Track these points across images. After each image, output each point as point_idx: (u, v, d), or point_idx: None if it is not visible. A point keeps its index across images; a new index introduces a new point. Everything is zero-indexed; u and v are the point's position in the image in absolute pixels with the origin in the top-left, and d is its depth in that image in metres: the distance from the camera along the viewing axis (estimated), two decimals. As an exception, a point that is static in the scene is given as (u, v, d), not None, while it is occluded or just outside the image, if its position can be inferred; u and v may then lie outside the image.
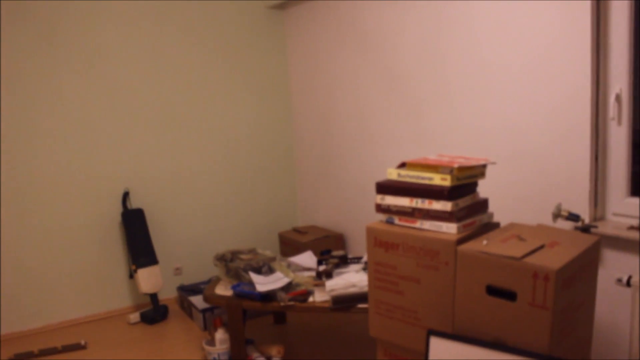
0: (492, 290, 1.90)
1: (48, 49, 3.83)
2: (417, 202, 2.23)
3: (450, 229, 2.15)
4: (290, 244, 4.42)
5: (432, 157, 2.44)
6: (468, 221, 2.21)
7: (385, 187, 2.34)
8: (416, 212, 2.25)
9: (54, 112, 3.89)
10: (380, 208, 2.38)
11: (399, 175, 2.33)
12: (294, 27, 4.69)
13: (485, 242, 2.01)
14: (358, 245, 4.28)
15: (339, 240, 4.35)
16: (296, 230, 4.60)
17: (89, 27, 3.95)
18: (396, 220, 2.33)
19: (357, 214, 4.26)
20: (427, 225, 2.22)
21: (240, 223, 4.74)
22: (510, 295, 1.85)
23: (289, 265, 3.48)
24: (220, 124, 4.55)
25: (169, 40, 4.27)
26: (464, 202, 2.21)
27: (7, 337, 3.86)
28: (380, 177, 3.98)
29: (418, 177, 2.25)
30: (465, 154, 3.28)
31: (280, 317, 3.92)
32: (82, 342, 3.74)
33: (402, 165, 2.39)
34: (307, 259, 3.56)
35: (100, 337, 3.85)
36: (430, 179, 2.21)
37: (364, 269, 3.26)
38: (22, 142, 3.80)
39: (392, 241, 2.26)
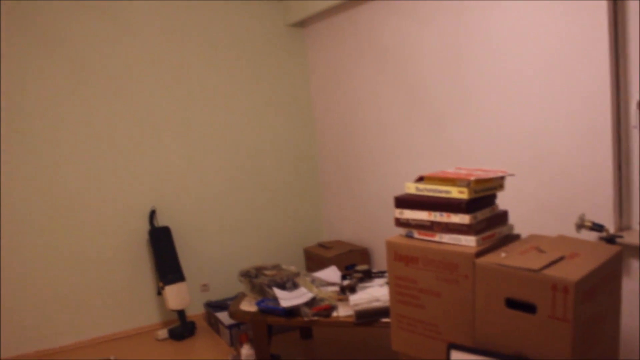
0: (512, 303, 1.89)
1: (75, 70, 3.94)
2: (435, 216, 2.23)
3: (469, 242, 2.14)
4: (315, 259, 4.44)
5: (451, 169, 2.44)
6: (487, 234, 2.20)
7: (403, 201, 2.35)
8: (435, 226, 2.25)
9: (81, 133, 3.99)
10: (399, 222, 2.38)
11: (417, 189, 2.33)
12: (314, 44, 4.74)
13: (503, 254, 2.00)
14: (382, 259, 4.28)
15: (364, 254, 4.36)
16: (321, 245, 4.62)
17: (115, 48, 4.06)
18: (415, 234, 2.33)
19: (380, 227, 4.27)
20: (446, 238, 2.22)
21: (266, 239, 4.78)
22: (530, 308, 1.84)
23: (313, 281, 3.50)
24: (244, 141, 4.61)
25: (193, 60, 4.36)
26: (482, 214, 2.20)
27: (42, 354, 3.95)
28: (402, 191, 3.98)
29: (436, 191, 2.26)
30: (486, 165, 3.27)
31: (306, 332, 3.93)
32: (112, 358, 3.80)
33: (420, 179, 2.39)
34: (331, 273, 3.57)
35: (129, 353, 3.90)
36: (448, 192, 2.21)
37: (388, 283, 3.25)
38: (50, 164, 3.91)
39: (412, 255, 2.27)
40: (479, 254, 2.07)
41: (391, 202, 4.12)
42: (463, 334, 2.11)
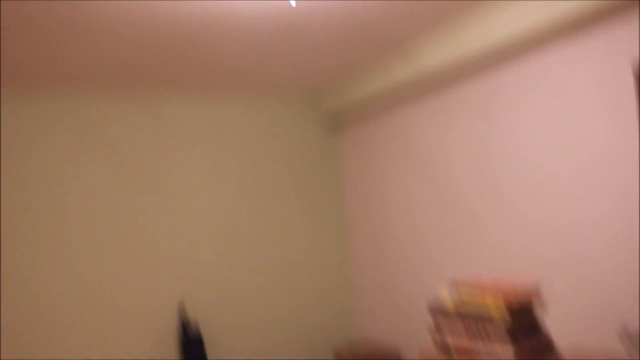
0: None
1: (112, 163, 4.07)
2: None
3: (506, 352, 2.10)
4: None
5: (485, 275, 2.43)
6: (525, 344, 2.16)
7: (438, 309, 2.32)
8: (470, 334, 2.22)
9: (120, 227, 4.06)
10: (433, 330, 2.35)
11: (453, 301, 2.31)
12: (348, 148, 4.85)
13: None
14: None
15: (396, 356, 4.25)
16: (352, 348, 4.53)
17: (154, 149, 4.20)
18: (450, 342, 2.30)
19: (414, 330, 4.18)
20: (483, 347, 2.18)
21: (295, 338, 4.68)
22: None
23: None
24: (274, 240, 4.63)
25: (228, 160, 4.47)
26: (520, 324, 2.17)
27: None
28: (436, 292, 3.92)
29: (472, 306, 2.22)
30: (519, 265, 3.22)
31: None
32: None
33: (454, 285, 2.37)
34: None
35: None
36: (486, 310, 2.17)
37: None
38: (85, 260, 3.96)
39: (449, 368, 2.22)
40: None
41: (424, 304, 4.06)
42: None
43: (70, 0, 2.41)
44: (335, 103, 4.58)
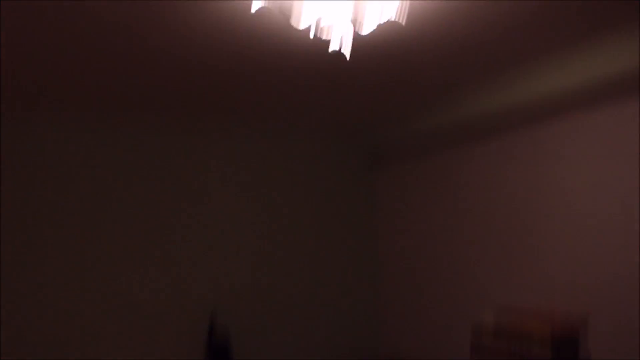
0: None
1: (162, 182, 4.18)
2: (514, 349, 2.28)
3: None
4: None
5: (530, 304, 2.44)
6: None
7: (481, 336, 2.39)
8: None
9: (150, 239, 4.12)
10: (475, 349, 2.43)
11: (496, 325, 2.35)
12: (385, 184, 4.87)
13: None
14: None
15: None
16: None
17: (198, 173, 4.29)
18: (493, 364, 2.38)
19: (448, 349, 4.18)
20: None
21: (324, 350, 4.71)
22: None
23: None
24: (307, 266, 4.65)
25: (264, 188, 4.54)
26: (565, 354, 2.23)
27: None
28: (471, 312, 3.93)
29: (517, 334, 2.26)
30: (558, 291, 3.24)
31: None
32: None
33: (499, 309, 2.43)
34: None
35: None
36: (532, 339, 2.21)
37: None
38: (116, 265, 4.01)
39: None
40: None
41: (458, 323, 4.05)
42: None
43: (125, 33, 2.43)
44: (376, 140, 4.66)
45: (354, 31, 2.43)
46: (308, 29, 2.41)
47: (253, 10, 1.83)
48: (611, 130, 2.96)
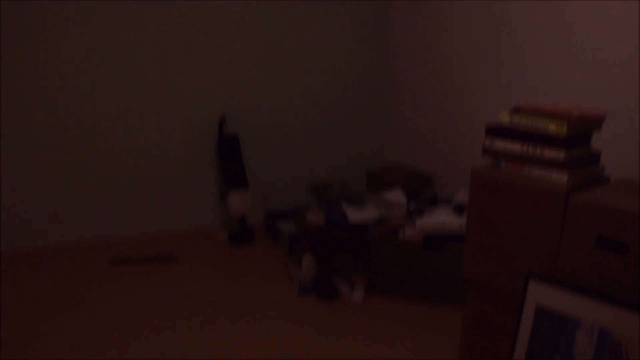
0: (602, 242, 1.89)
1: None
2: (528, 149, 2.21)
3: (560, 178, 2.13)
4: (377, 182, 4.47)
5: (546, 104, 2.39)
6: (579, 172, 2.17)
7: (495, 130, 2.33)
8: (526, 159, 2.23)
9: (156, 38, 4.01)
10: (487, 151, 2.37)
11: (511, 119, 2.30)
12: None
13: (599, 193, 1.98)
14: (446, 187, 4.29)
15: (427, 180, 4.37)
16: (384, 168, 4.64)
17: None
18: (503, 165, 2.32)
19: (448, 155, 4.25)
20: (536, 172, 2.21)
21: (329, 155, 4.82)
22: (621, 248, 1.84)
23: (379, 201, 3.54)
24: (315, 59, 4.57)
25: None
26: (578, 152, 2.17)
27: (108, 243, 4.16)
28: (479, 121, 3.93)
29: (532, 123, 2.22)
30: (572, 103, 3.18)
31: (362, 248, 4.02)
32: (175, 254, 3.98)
33: (515, 110, 2.35)
34: (396, 196, 3.61)
35: (191, 251, 4.08)
36: (546, 126, 2.17)
37: (456, 210, 3.28)
38: (127, 66, 3.97)
39: (497, 185, 2.27)
40: (571, 191, 2.06)
41: (463, 131, 4.08)
42: (542, 267, 2.13)
43: None
44: None
45: None
46: None
47: None
48: None
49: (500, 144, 2.31)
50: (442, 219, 3.15)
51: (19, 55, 3.67)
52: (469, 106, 3.99)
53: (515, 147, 2.26)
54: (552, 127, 2.15)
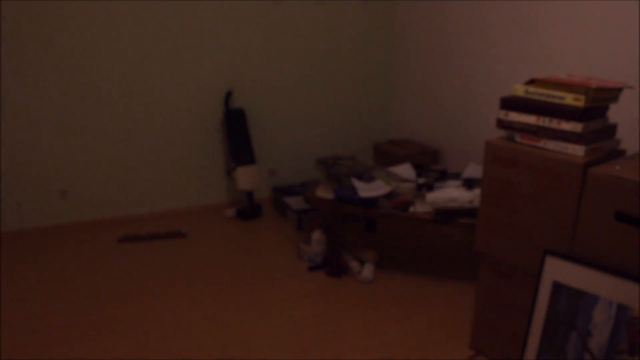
0: (621, 217, 1.85)
1: None
2: (544, 121, 2.16)
3: (577, 151, 2.08)
4: (385, 156, 4.43)
5: (561, 75, 2.33)
6: (596, 145, 2.12)
7: (510, 103, 2.27)
8: (541, 131, 2.18)
9: (162, 12, 3.93)
10: (502, 124, 2.32)
11: (526, 92, 2.24)
12: None
13: (618, 167, 1.93)
14: (454, 161, 4.24)
15: (435, 155, 4.32)
16: (391, 142, 4.59)
17: None
18: (518, 138, 2.27)
19: (456, 129, 4.19)
20: (552, 145, 2.16)
21: (335, 130, 4.77)
22: (640, 223, 1.80)
23: (388, 175, 3.50)
24: (321, 33, 4.48)
25: None
26: (594, 124, 2.12)
27: (116, 220, 4.14)
28: (487, 94, 3.86)
29: (548, 96, 2.17)
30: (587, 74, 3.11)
31: (371, 224, 3.99)
32: (183, 231, 3.96)
33: (530, 82, 2.29)
34: (406, 170, 3.57)
35: (199, 228, 4.06)
36: (562, 98, 2.12)
37: (466, 184, 3.24)
38: (131, 42, 3.90)
39: (512, 158, 2.22)
40: (587, 164, 2.01)
41: (472, 104, 4.01)
42: (559, 242, 2.10)
43: None
44: None
45: None
46: None
47: None
48: None
49: (515, 117, 2.25)
50: (452, 193, 3.11)
51: (24, 21, 3.61)
52: (476, 79, 3.91)
53: (530, 119, 2.20)
54: (568, 98, 2.10)
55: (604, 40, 2.98)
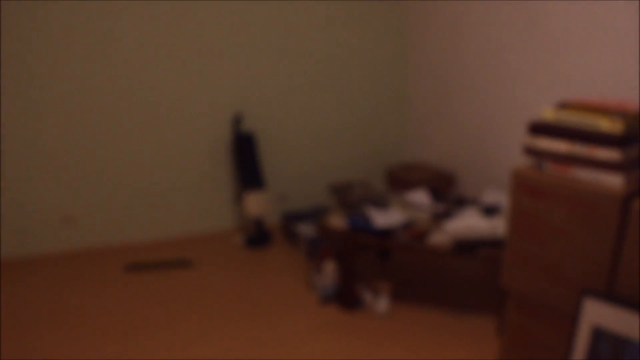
0: (669, 255, 1.68)
1: None
2: (576, 148, 1.99)
3: (614, 181, 1.91)
4: (398, 180, 4.27)
5: (593, 98, 2.17)
6: (634, 174, 1.96)
7: (539, 128, 2.11)
8: (573, 159, 2.01)
9: (169, 34, 3.83)
10: (529, 151, 2.16)
11: (556, 116, 2.09)
12: None
13: (663, 199, 1.77)
14: (471, 185, 4.07)
15: (450, 179, 4.15)
16: (404, 167, 4.43)
17: None
18: (547, 166, 2.11)
19: (472, 152, 4.03)
20: (585, 174, 1.99)
21: (347, 153, 4.62)
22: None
23: (403, 202, 3.34)
24: (334, 51, 4.36)
25: None
26: (633, 152, 1.95)
27: (121, 246, 4.00)
28: (505, 115, 3.71)
29: (580, 121, 2.01)
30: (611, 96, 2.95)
31: (383, 252, 3.83)
32: (190, 260, 3.81)
33: (561, 105, 2.14)
34: (421, 197, 3.40)
35: (206, 256, 3.91)
36: (596, 123, 1.96)
37: (486, 212, 3.07)
38: (138, 64, 3.79)
39: (542, 189, 2.06)
40: (627, 195, 1.84)
41: (488, 128, 3.86)
42: (595, 281, 1.92)
43: None
44: None
45: None
46: None
47: None
48: None
49: (544, 143, 2.09)
50: (471, 222, 2.94)
51: (25, 52, 3.50)
52: (493, 100, 3.76)
53: (561, 146, 2.04)
54: (604, 124, 1.94)
55: (627, 60, 2.83)
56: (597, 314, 1.79)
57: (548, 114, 2.11)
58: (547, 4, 3.26)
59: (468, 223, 2.93)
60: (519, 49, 3.51)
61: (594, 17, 2.99)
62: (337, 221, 3.16)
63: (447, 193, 3.43)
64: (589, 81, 3.07)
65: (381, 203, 3.19)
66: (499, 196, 3.27)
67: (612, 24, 2.90)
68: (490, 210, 3.11)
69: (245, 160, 4.02)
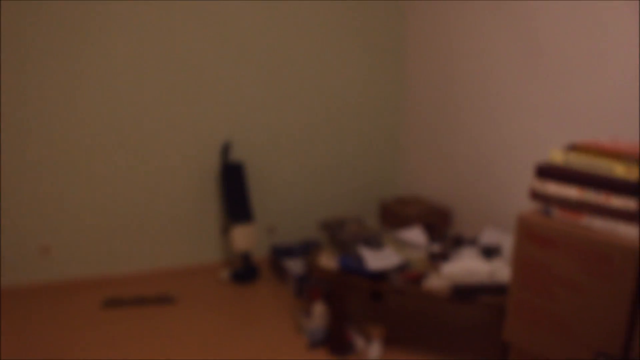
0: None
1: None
2: (589, 195, 1.84)
3: (631, 232, 1.76)
4: (392, 215, 4.11)
5: (604, 140, 2.04)
6: (651, 224, 1.80)
7: (547, 171, 1.96)
8: (585, 207, 1.86)
9: (156, 59, 3.69)
10: (536, 195, 2.01)
11: (566, 159, 1.94)
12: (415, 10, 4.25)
13: (685, 255, 1.61)
14: (467, 223, 3.91)
15: (446, 215, 4.00)
16: (399, 201, 4.28)
17: None
18: (556, 213, 1.95)
19: (469, 188, 3.88)
20: (598, 223, 1.84)
21: (339, 185, 4.46)
22: None
23: (398, 241, 3.18)
24: (326, 83, 4.23)
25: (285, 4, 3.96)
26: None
27: (101, 279, 3.80)
28: (504, 151, 3.57)
29: (592, 165, 1.86)
30: (620, 135, 2.82)
31: (376, 296, 3.65)
32: (171, 296, 3.62)
33: (570, 147, 1.99)
34: (416, 235, 3.24)
35: (190, 291, 3.72)
36: (610, 168, 1.81)
37: (485, 254, 2.91)
38: (122, 91, 3.64)
39: (550, 237, 1.90)
40: (645, 248, 1.69)
41: (486, 164, 3.72)
42: (609, 340, 1.75)
43: None
44: None
45: None
46: None
47: None
48: None
49: (553, 188, 1.94)
50: (470, 265, 2.78)
51: (12, 77, 3.35)
52: (491, 135, 3.63)
53: (571, 192, 1.89)
54: (618, 169, 1.79)
55: (632, 91, 2.70)
56: (614, 381, 1.62)
57: (557, 156, 1.97)
58: (547, 34, 3.15)
59: (467, 266, 2.77)
60: (517, 82, 3.39)
61: (597, 46, 2.87)
62: (328, 261, 2.98)
63: (444, 230, 3.27)
64: (591, 114, 2.94)
65: (374, 242, 3.03)
66: (498, 236, 3.12)
67: (615, 54, 2.78)
68: (489, 252, 2.96)
69: (233, 190, 3.85)
